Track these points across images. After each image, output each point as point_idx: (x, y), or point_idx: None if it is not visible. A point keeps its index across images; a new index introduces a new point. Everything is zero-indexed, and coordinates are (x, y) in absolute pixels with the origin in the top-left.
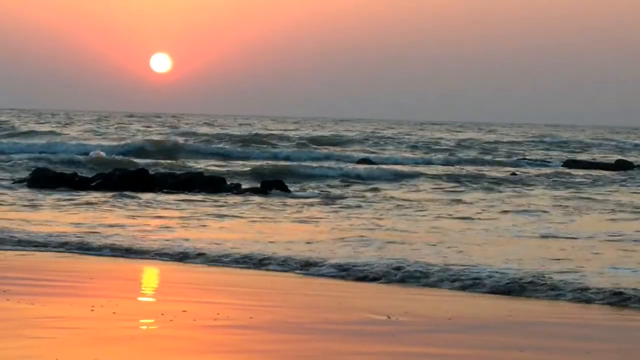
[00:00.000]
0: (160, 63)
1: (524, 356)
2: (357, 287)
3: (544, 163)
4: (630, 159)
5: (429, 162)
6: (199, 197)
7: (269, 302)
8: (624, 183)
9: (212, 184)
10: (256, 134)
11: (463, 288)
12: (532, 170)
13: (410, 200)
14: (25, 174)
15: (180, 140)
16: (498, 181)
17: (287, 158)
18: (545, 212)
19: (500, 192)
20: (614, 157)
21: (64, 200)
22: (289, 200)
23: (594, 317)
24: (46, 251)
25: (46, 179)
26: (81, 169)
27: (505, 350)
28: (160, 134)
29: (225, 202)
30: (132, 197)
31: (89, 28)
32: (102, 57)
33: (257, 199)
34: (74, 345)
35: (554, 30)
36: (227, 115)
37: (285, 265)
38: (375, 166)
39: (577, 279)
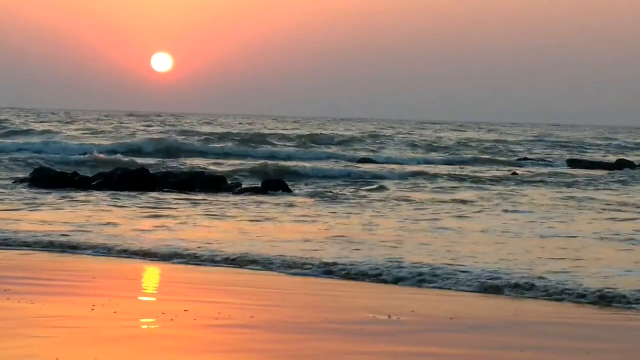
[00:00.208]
0: (161, 62)
1: (524, 356)
2: (357, 287)
3: (544, 163)
4: (631, 159)
5: (429, 162)
6: (199, 196)
7: (269, 301)
8: (625, 183)
9: (213, 184)
10: (257, 134)
11: (464, 288)
12: (533, 170)
13: (411, 200)
14: (25, 174)
15: (181, 139)
16: (499, 180)
17: (287, 157)
18: (545, 211)
19: (500, 191)
20: (614, 157)
21: (65, 199)
22: (290, 200)
23: (594, 317)
24: (47, 251)
25: (47, 178)
26: (82, 168)
27: (505, 350)
28: (161, 133)
29: (226, 201)
30: (133, 197)
31: (90, 27)
32: (102, 57)
33: (257, 198)
34: (75, 344)
35: (554, 30)
36: (227, 114)
37: (286, 265)
38: (376, 165)
39: (577, 279)
